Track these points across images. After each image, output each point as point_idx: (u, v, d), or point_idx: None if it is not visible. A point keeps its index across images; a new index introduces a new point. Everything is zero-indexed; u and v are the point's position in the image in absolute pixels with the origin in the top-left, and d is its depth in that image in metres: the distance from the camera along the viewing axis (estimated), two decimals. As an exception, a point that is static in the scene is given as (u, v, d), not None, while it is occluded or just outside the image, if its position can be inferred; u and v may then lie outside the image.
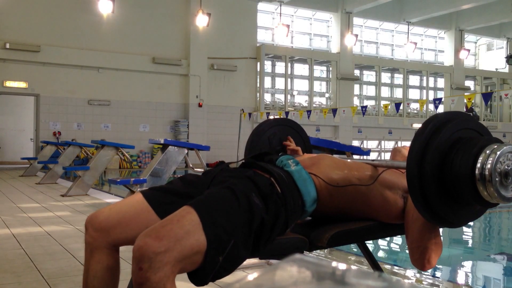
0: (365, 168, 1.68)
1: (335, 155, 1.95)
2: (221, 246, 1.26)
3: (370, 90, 20.58)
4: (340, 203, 1.62)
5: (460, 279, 3.40)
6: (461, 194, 1.40)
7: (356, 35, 17.88)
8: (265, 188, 1.41)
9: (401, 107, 18.74)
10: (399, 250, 4.53)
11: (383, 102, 19.21)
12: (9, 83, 13.42)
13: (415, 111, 20.87)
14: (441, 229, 1.72)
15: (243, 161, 1.69)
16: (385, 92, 20.84)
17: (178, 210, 1.28)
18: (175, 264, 1.18)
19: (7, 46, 13.04)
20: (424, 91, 21.06)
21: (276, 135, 2.24)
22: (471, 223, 5.98)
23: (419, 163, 1.39)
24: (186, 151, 5.57)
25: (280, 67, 18.09)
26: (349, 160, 1.80)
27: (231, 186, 1.37)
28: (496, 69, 22.81)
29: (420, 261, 1.58)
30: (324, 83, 19.13)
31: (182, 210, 1.28)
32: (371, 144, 18.98)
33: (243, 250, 1.32)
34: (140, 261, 1.15)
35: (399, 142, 19.85)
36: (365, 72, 20.38)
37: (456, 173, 1.37)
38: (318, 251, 3.35)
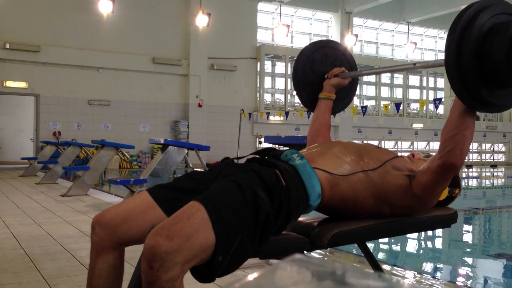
0: (375, 154, 1.69)
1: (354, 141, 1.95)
2: (229, 242, 1.27)
3: (370, 90, 20.58)
4: (345, 194, 1.61)
5: (460, 279, 3.40)
6: (501, 78, 1.43)
7: (356, 35, 17.89)
8: (270, 182, 1.41)
9: (401, 107, 18.75)
10: (399, 250, 4.53)
11: (383, 102, 19.22)
12: (9, 83, 13.43)
13: (415, 111, 20.87)
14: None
15: (248, 157, 1.69)
16: (385, 92, 20.84)
17: (186, 206, 1.28)
18: (185, 263, 1.19)
19: (7, 46, 13.05)
20: (424, 91, 21.07)
21: (316, 61, 2.19)
22: (470, 224, 5.98)
23: (457, 58, 1.42)
24: (186, 151, 5.57)
25: (280, 67, 18.09)
26: (362, 144, 1.79)
27: (237, 180, 1.37)
28: (496, 69, 22.79)
29: (454, 152, 1.54)
30: (324, 83, 19.13)
31: (190, 206, 1.27)
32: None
33: (249, 245, 1.33)
34: (151, 260, 1.16)
35: (399, 142, 19.86)
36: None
37: (494, 59, 1.40)
38: (318, 251, 3.35)
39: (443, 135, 1.58)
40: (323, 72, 2.17)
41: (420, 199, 1.68)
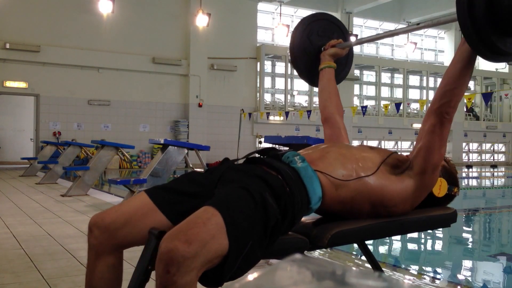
0: (370, 157, 1.69)
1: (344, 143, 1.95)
2: (240, 248, 1.27)
3: (370, 90, 20.58)
4: (346, 197, 1.62)
5: (460, 279, 3.40)
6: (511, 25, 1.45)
7: (356, 35, 17.90)
8: (277, 188, 1.41)
9: (401, 107, 18.75)
10: (399, 250, 4.53)
11: (383, 102, 19.22)
12: (9, 83, 13.43)
13: (415, 111, 20.87)
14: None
15: (248, 157, 1.67)
16: (385, 92, 20.84)
17: (201, 211, 1.27)
18: (201, 268, 1.20)
19: (7, 46, 13.05)
20: (424, 91, 21.07)
21: (313, 31, 2.23)
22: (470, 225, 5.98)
23: (469, 5, 1.44)
24: (186, 151, 5.57)
25: (280, 67, 18.09)
26: (356, 146, 1.80)
27: (246, 187, 1.37)
28: (496, 69, 22.82)
29: (450, 103, 1.62)
30: (324, 83, 19.14)
31: (205, 211, 1.26)
32: (371, 144, 18.98)
33: (259, 250, 1.33)
34: (168, 264, 1.15)
35: (399, 142, 19.86)
36: (365, 72, 20.38)
37: (506, 4, 1.41)
38: (318, 251, 3.35)
39: (442, 86, 1.64)
40: (319, 45, 2.20)
41: (420, 177, 1.67)
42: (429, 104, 1.71)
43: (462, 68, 1.60)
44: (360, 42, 2.33)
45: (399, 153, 1.80)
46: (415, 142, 1.75)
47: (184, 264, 1.15)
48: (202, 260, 1.18)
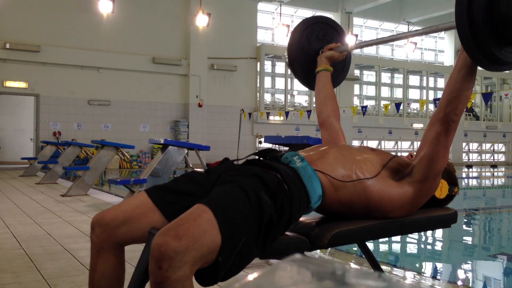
0: (370, 160, 1.69)
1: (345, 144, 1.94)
2: (234, 244, 1.26)
3: (370, 90, 20.58)
4: (345, 197, 1.62)
5: (460, 279, 3.40)
6: (510, 34, 1.44)
7: (356, 35, 17.90)
8: (273, 186, 1.41)
9: (401, 107, 18.76)
10: (399, 250, 4.53)
11: (383, 102, 19.23)
12: (9, 83, 13.43)
13: (415, 111, 20.88)
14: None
15: (247, 158, 1.68)
16: (385, 92, 20.85)
17: (192, 209, 1.28)
18: (194, 264, 1.19)
19: (7, 46, 13.05)
20: (424, 91, 21.08)
21: (313, 32, 2.24)
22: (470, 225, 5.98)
23: (468, 15, 1.43)
24: (186, 151, 5.58)
25: (280, 67, 18.09)
26: (357, 148, 1.79)
27: (241, 185, 1.37)
28: (496, 69, 22.79)
29: (455, 111, 1.61)
30: (324, 83, 19.13)
31: (196, 208, 1.27)
32: (371, 144, 18.98)
33: (254, 248, 1.33)
34: (159, 260, 1.15)
35: (399, 142, 19.86)
36: (365, 72, 20.38)
37: (504, 14, 1.41)
38: (318, 251, 3.35)
39: (447, 93, 1.62)
40: (318, 48, 2.21)
41: (420, 185, 1.67)
42: (433, 112, 1.69)
43: (466, 74, 1.58)
44: (359, 46, 2.34)
45: (399, 154, 1.80)
46: (417, 148, 1.74)
47: (175, 259, 1.15)
48: (194, 254, 1.18)
